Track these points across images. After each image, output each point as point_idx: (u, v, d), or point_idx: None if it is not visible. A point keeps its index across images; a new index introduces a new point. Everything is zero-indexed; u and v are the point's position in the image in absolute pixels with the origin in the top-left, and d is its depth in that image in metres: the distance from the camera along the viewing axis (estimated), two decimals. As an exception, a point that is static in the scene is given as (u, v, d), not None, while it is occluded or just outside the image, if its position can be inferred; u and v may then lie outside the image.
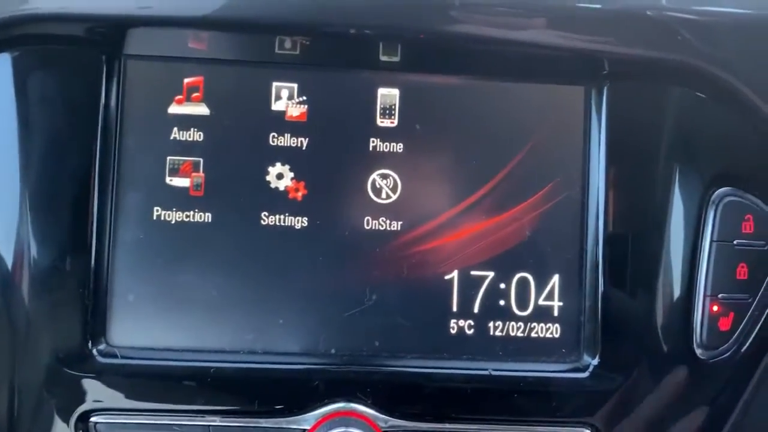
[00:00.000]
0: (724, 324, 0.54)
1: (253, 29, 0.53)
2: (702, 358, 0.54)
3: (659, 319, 0.54)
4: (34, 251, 0.51)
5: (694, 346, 0.54)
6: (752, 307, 0.54)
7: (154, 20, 0.51)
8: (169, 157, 0.53)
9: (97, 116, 0.52)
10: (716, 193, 0.54)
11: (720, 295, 0.54)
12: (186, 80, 0.54)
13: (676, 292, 0.54)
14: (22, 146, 0.51)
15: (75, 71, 0.52)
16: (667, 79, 0.54)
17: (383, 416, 0.52)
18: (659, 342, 0.54)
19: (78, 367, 0.51)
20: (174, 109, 0.54)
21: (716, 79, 0.53)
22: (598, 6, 0.51)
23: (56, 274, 0.51)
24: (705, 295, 0.54)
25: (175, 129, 0.53)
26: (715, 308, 0.54)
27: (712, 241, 0.54)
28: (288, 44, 0.54)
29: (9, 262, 0.51)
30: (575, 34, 0.52)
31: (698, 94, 0.54)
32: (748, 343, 0.54)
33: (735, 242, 0.54)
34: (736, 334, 0.54)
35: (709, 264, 0.54)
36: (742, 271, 0.54)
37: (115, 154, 0.53)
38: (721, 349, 0.54)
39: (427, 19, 0.51)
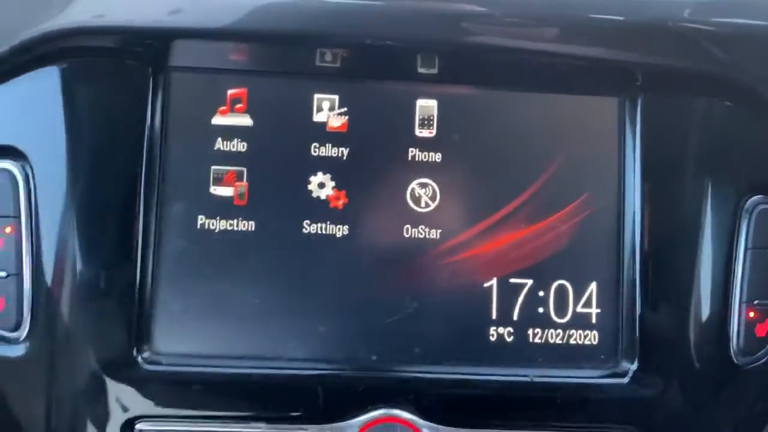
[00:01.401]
0: (761, 330, 0.54)
1: (292, 41, 0.54)
2: (739, 364, 0.54)
3: (696, 326, 0.54)
4: (80, 261, 0.51)
5: (731, 352, 0.54)
6: None
7: (197, 32, 0.53)
8: (213, 167, 0.54)
9: (144, 127, 0.53)
10: (750, 201, 0.55)
11: (756, 302, 0.54)
12: (229, 92, 0.55)
13: (713, 299, 0.55)
14: (70, 157, 0.52)
15: (121, 83, 0.53)
16: (699, 89, 0.55)
17: (425, 422, 0.52)
18: (697, 348, 0.54)
19: (123, 375, 0.51)
20: (218, 119, 0.55)
21: (748, 90, 0.54)
22: (622, 18, 0.52)
23: (102, 283, 0.52)
24: (741, 302, 0.54)
25: (219, 139, 0.54)
26: (752, 314, 0.54)
27: (746, 248, 0.55)
28: (328, 57, 0.55)
29: (56, 271, 0.51)
30: (606, 45, 0.53)
31: (730, 104, 0.55)
32: None
33: None
34: None
35: (745, 271, 0.55)
36: None
37: (160, 164, 0.54)
38: (757, 354, 0.54)
39: (463, 32, 0.52)
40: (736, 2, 0.54)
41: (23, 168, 0.52)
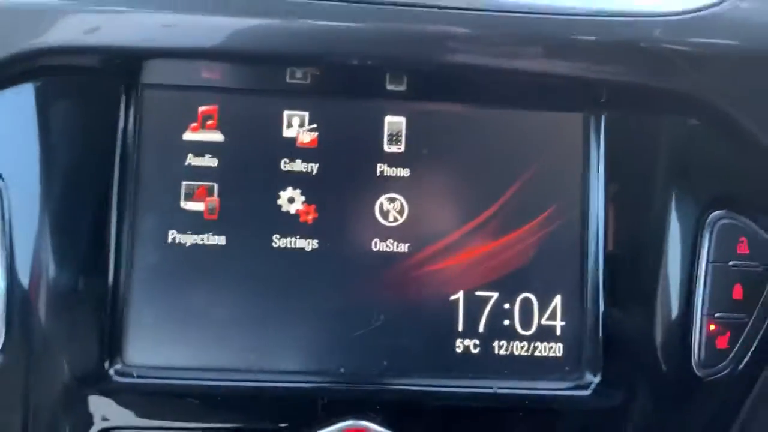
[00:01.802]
0: (722, 342, 0.56)
1: (262, 61, 0.55)
2: (701, 376, 0.56)
3: (659, 338, 0.55)
4: (54, 274, 0.52)
5: (693, 364, 0.56)
6: (748, 326, 0.56)
7: (169, 52, 0.54)
8: (184, 182, 0.55)
9: (116, 143, 0.54)
10: (711, 215, 0.57)
11: (717, 315, 0.55)
12: (201, 108, 0.56)
13: (675, 312, 0.56)
14: (43, 172, 0.53)
15: (94, 100, 0.54)
16: (663, 107, 0.56)
17: (392, 433, 0.54)
18: (659, 360, 0.55)
19: (95, 387, 0.52)
20: (189, 135, 0.56)
21: (711, 108, 0.55)
22: (593, 38, 0.53)
23: (75, 296, 0.53)
24: (702, 315, 0.55)
25: (190, 155, 0.56)
26: (712, 327, 0.55)
27: (708, 262, 0.56)
28: (299, 74, 0.56)
29: (30, 284, 0.52)
30: (572, 63, 0.54)
31: (693, 122, 0.57)
32: (744, 362, 0.56)
33: (730, 263, 0.56)
34: (732, 353, 0.56)
35: (706, 284, 0.56)
36: (737, 291, 0.56)
37: (132, 180, 0.55)
38: (718, 367, 0.56)
39: (430, 52, 0.53)
40: (701, 22, 0.54)
41: None
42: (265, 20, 0.52)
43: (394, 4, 0.52)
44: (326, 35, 0.53)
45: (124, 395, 0.53)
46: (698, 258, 0.56)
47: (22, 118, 0.53)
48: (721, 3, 0.54)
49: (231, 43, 0.52)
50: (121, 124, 0.54)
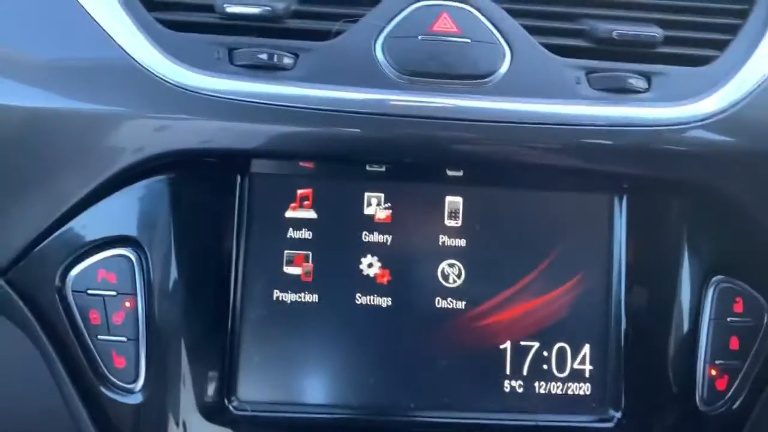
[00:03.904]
0: (721, 385, 0.66)
1: (345, 161, 0.67)
2: (703, 411, 0.66)
3: (670, 380, 0.66)
4: (184, 327, 0.64)
5: (697, 401, 0.66)
6: (743, 371, 0.66)
7: (273, 154, 0.65)
8: (286, 251, 0.68)
9: (233, 220, 0.67)
10: (713, 279, 0.66)
11: (717, 362, 0.65)
12: (299, 191, 0.68)
13: (683, 359, 0.66)
14: (176, 246, 0.64)
15: (215, 186, 0.67)
16: (675, 192, 0.67)
17: (454, 459, 0.66)
18: (670, 398, 0.67)
19: (218, 419, 0.65)
20: (290, 213, 0.68)
21: (725, 200, 0.64)
22: (614, 142, 0.63)
23: (201, 345, 0.65)
24: (705, 362, 0.65)
25: (290, 229, 0.68)
26: (713, 372, 0.65)
27: (710, 318, 0.66)
28: (376, 165, 0.68)
29: (165, 336, 0.64)
30: (597, 163, 0.64)
31: (699, 203, 0.67)
32: (740, 400, 0.66)
33: (728, 319, 0.66)
34: (730, 393, 0.66)
35: (708, 337, 0.65)
36: (734, 343, 0.66)
37: (244, 250, 0.67)
38: (718, 404, 0.66)
39: (483, 153, 0.64)
40: (704, 127, 0.63)
41: (138, 254, 0.63)
42: (350, 130, 0.61)
43: (454, 119, 0.61)
44: (401, 143, 0.62)
45: (241, 426, 0.65)
46: (702, 315, 0.66)
47: (160, 200, 0.64)
48: (721, 112, 0.62)
49: (323, 149, 0.62)
50: (236, 206, 0.67)
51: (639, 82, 0.63)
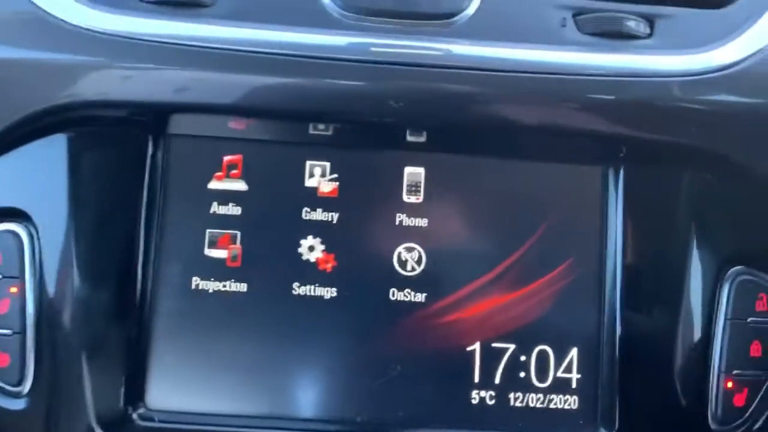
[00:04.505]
0: (739, 400, 0.55)
1: (285, 117, 0.57)
2: (715, 431, 0.56)
3: (675, 395, 0.56)
4: (80, 319, 0.54)
5: (709, 420, 0.56)
6: (766, 384, 0.56)
7: (195, 107, 0.55)
8: (208, 230, 0.57)
9: (142, 191, 0.56)
10: (730, 271, 0.57)
11: (734, 372, 0.55)
12: (225, 158, 0.58)
13: (692, 368, 0.56)
14: (72, 219, 0.55)
15: (121, 150, 0.57)
16: (682, 162, 0.57)
17: (407, 484, 0.55)
18: (675, 416, 0.56)
19: (118, 430, 0.54)
20: (214, 184, 0.57)
21: (730, 164, 0.56)
22: (611, 97, 0.54)
23: (100, 340, 0.55)
24: (720, 371, 0.55)
25: (215, 203, 0.57)
26: (730, 384, 0.55)
27: (726, 318, 0.56)
28: (321, 126, 0.58)
29: (57, 329, 0.54)
30: (593, 120, 0.55)
31: (711, 177, 0.57)
32: (762, 420, 0.56)
33: (749, 320, 0.56)
34: (750, 411, 0.55)
35: (724, 341, 0.56)
36: (755, 349, 0.56)
37: (157, 227, 0.57)
38: (735, 424, 0.56)
39: (451, 110, 0.54)
40: (717, 82, 0.54)
41: (28, 230, 0.54)
42: (288, 79, 0.53)
43: (413, 65, 0.53)
44: (347, 94, 0.54)
45: (146, 440, 0.55)
46: (716, 314, 0.56)
47: (54, 166, 0.55)
48: (738, 64, 0.54)
49: (255, 100, 0.54)
50: (147, 173, 0.56)
51: (639, 26, 0.56)
